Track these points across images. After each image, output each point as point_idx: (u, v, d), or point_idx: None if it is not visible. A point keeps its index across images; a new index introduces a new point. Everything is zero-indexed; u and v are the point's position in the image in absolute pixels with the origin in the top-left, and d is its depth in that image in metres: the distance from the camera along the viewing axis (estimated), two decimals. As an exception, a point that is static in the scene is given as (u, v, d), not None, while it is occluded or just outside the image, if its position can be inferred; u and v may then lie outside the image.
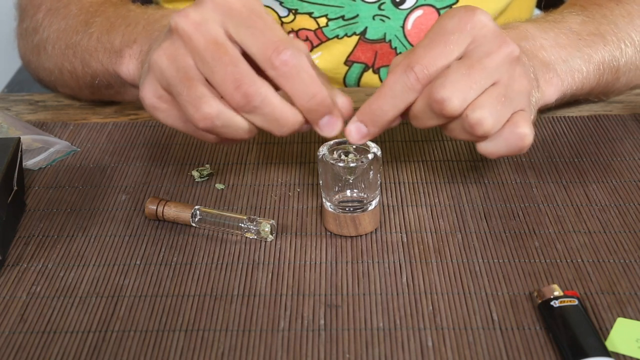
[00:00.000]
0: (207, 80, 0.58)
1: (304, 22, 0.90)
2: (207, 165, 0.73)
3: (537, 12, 1.20)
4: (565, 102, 0.75)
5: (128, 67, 0.73)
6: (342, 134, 0.72)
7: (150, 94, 0.60)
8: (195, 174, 0.72)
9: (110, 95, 0.82)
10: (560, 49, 0.68)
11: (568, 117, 0.80)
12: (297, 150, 0.76)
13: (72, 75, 0.81)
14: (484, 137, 0.60)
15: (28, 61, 0.89)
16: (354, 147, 0.64)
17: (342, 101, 0.60)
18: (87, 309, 0.58)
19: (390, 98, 0.59)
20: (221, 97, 0.58)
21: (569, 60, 0.68)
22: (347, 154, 0.63)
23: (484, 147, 0.61)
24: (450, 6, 0.91)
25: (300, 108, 0.58)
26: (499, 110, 0.58)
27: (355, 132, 0.61)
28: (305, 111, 0.59)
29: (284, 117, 0.58)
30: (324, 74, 0.61)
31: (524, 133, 0.59)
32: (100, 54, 0.76)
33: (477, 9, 0.60)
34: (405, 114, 0.61)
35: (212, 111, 0.57)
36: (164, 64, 0.58)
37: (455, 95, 0.57)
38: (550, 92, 0.67)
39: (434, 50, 0.58)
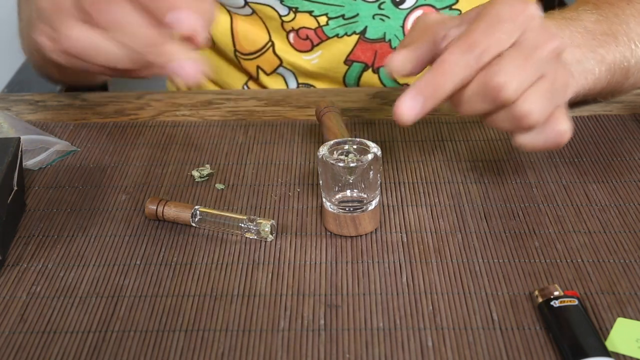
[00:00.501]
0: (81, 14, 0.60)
1: (304, 20, 0.90)
2: (207, 165, 0.73)
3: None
4: (575, 102, 0.75)
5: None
6: (341, 134, 0.72)
7: (38, 33, 0.62)
8: (195, 174, 0.72)
9: (77, 80, 0.84)
10: (576, 49, 0.68)
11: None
12: (297, 150, 0.76)
13: (38, 57, 0.81)
14: (527, 129, 0.60)
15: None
16: (354, 147, 0.64)
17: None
18: (87, 309, 0.58)
19: (451, 75, 0.59)
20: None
21: (583, 61, 0.69)
22: (347, 154, 0.63)
23: (523, 139, 0.62)
24: (450, 6, 0.91)
25: (150, 10, 0.59)
26: (546, 104, 0.59)
27: (411, 107, 0.59)
28: (154, 11, 0.59)
29: (141, 32, 0.59)
30: None
31: (564, 130, 0.61)
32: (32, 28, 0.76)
33: (528, 1, 0.60)
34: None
35: (73, 33, 0.59)
36: (44, 3, 0.61)
37: (512, 83, 0.58)
38: None
39: (492, 37, 0.59)
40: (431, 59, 0.61)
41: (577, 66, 0.68)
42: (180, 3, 0.59)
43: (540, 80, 0.59)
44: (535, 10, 0.60)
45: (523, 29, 0.59)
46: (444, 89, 0.59)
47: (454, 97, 0.60)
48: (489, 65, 0.58)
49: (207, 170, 0.72)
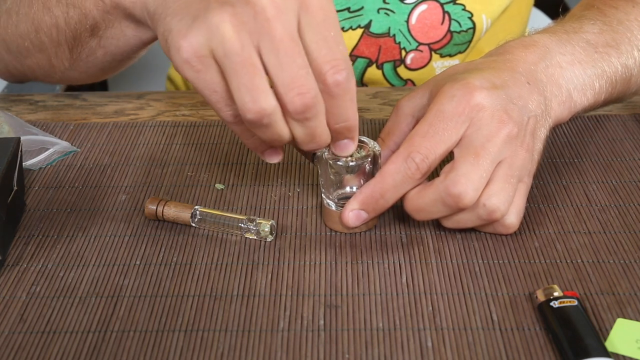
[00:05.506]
0: (265, 69, 0.55)
1: None
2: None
3: (535, 11, 1.20)
4: (580, 115, 0.74)
5: None
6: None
7: (190, 49, 0.55)
8: (218, 186, 0.71)
9: (92, 49, 0.76)
10: (577, 65, 0.68)
11: (568, 117, 0.80)
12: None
13: (52, 29, 0.76)
14: (498, 220, 0.61)
15: None
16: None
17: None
18: (87, 309, 0.58)
19: (392, 187, 0.61)
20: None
21: (583, 77, 0.68)
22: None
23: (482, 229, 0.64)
24: (454, 1, 0.91)
25: (330, 126, 0.59)
26: (509, 191, 0.60)
27: (355, 218, 0.62)
28: (332, 130, 0.59)
29: (320, 135, 0.58)
30: None
31: (510, 225, 0.62)
32: None
33: (475, 89, 0.61)
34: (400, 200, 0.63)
35: (268, 107, 0.55)
36: (228, 33, 0.54)
37: (469, 188, 0.59)
38: (564, 115, 0.67)
39: (433, 139, 0.60)
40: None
41: (577, 83, 0.67)
42: (356, 136, 0.61)
43: (499, 167, 0.60)
44: (482, 99, 0.60)
45: (469, 121, 0.60)
46: (385, 201, 0.62)
47: (411, 205, 0.62)
48: (443, 172, 0.60)
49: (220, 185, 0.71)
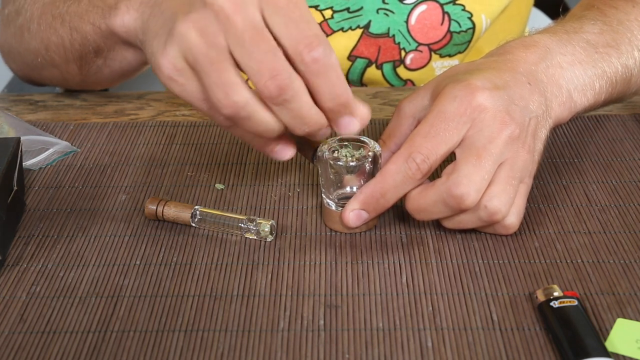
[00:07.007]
0: (237, 64, 0.56)
1: None
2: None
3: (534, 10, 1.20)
4: (580, 115, 0.74)
5: (123, 19, 0.70)
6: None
7: (169, 65, 0.58)
8: (218, 186, 0.71)
9: (99, 67, 0.79)
10: (577, 65, 0.68)
11: (568, 117, 0.80)
12: (297, 150, 0.76)
13: (59, 48, 0.78)
14: (499, 221, 0.61)
15: (9, 48, 0.86)
16: (354, 145, 0.64)
17: (362, 111, 0.60)
18: (87, 309, 0.58)
19: (393, 187, 0.61)
20: (250, 87, 0.57)
21: (583, 77, 0.68)
22: (347, 152, 0.63)
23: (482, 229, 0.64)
24: (453, 1, 0.91)
25: (322, 106, 0.58)
26: (510, 192, 0.60)
27: (356, 218, 0.62)
28: (327, 110, 0.58)
29: (309, 115, 0.58)
30: None
31: (510, 225, 0.62)
32: (92, 15, 0.74)
33: (477, 89, 0.61)
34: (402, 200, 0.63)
35: (241, 100, 0.56)
36: (193, 39, 0.56)
37: (471, 189, 0.59)
38: (564, 115, 0.67)
39: (434, 139, 0.60)
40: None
41: (577, 83, 0.67)
42: (357, 111, 0.59)
43: (500, 169, 0.60)
44: (484, 99, 0.60)
45: (471, 122, 0.60)
46: (386, 201, 0.62)
47: (412, 205, 0.62)
48: (445, 173, 0.60)
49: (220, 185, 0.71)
